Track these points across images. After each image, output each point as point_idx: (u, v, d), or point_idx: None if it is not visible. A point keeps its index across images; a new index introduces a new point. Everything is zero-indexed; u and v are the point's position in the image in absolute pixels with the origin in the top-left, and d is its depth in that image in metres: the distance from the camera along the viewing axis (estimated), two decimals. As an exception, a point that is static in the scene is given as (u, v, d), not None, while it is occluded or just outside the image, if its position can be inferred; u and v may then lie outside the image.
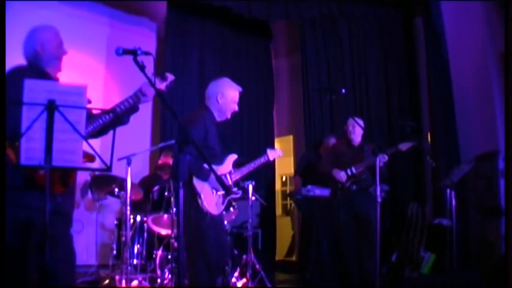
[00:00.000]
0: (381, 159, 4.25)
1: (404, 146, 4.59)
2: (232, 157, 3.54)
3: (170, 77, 2.72)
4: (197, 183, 3.22)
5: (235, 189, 3.56)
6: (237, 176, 3.61)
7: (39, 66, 2.58)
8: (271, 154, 3.93)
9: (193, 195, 3.21)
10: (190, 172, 3.23)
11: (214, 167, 3.30)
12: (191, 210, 3.22)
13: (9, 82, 2.38)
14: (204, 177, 3.23)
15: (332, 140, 5.88)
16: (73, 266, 2.65)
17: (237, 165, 4.90)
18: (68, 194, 2.55)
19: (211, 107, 3.42)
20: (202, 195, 3.19)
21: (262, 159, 3.86)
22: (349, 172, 4.71)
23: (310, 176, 5.73)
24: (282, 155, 4.10)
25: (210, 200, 3.26)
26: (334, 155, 5.00)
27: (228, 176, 3.48)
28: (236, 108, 3.48)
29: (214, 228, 3.26)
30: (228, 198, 3.53)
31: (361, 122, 4.83)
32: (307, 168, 6.00)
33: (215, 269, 3.25)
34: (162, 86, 2.68)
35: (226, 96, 3.41)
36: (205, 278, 3.21)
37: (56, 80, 2.65)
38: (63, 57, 2.67)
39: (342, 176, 4.70)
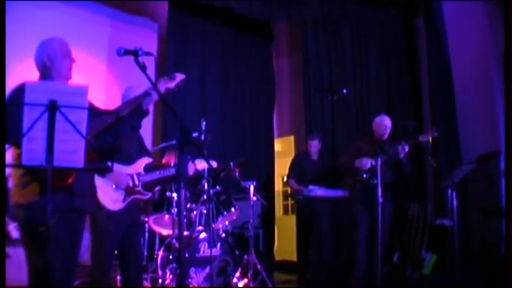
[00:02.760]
0: (402, 149, 4.62)
1: (424, 138, 4.81)
2: (145, 160, 3.52)
3: (180, 76, 2.72)
4: (96, 177, 3.18)
5: (139, 188, 3.45)
6: (146, 178, 3.51)
7: (49, 78, 2.56)
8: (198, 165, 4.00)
9: None
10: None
11: (122, 166, 3.31)
12: None
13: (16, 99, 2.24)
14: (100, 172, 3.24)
15: (315, 141, 5.87)
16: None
17: (239, 165, 4.93)
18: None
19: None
20: (98, 189, 3.15)
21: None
22: (368, 164, 4.80)
23: (303, 178, 5.72)
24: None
25: (107, 195, 3.27)
26: (356, 149, 5.06)
27: (135, 176, 3.44)
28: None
29: (112, 225, 3.29)
30: (132, 197, 3.40)
31: (388, 120, 4.99)
32: (300, 171, 5.97)
33: (108, 265, 3.30)
34: (171, 85, 2.68)
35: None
36: (95, 274, 3.29)
37: None
38: (72, 65, 2.64)
39: (366, 163, 4.79)
